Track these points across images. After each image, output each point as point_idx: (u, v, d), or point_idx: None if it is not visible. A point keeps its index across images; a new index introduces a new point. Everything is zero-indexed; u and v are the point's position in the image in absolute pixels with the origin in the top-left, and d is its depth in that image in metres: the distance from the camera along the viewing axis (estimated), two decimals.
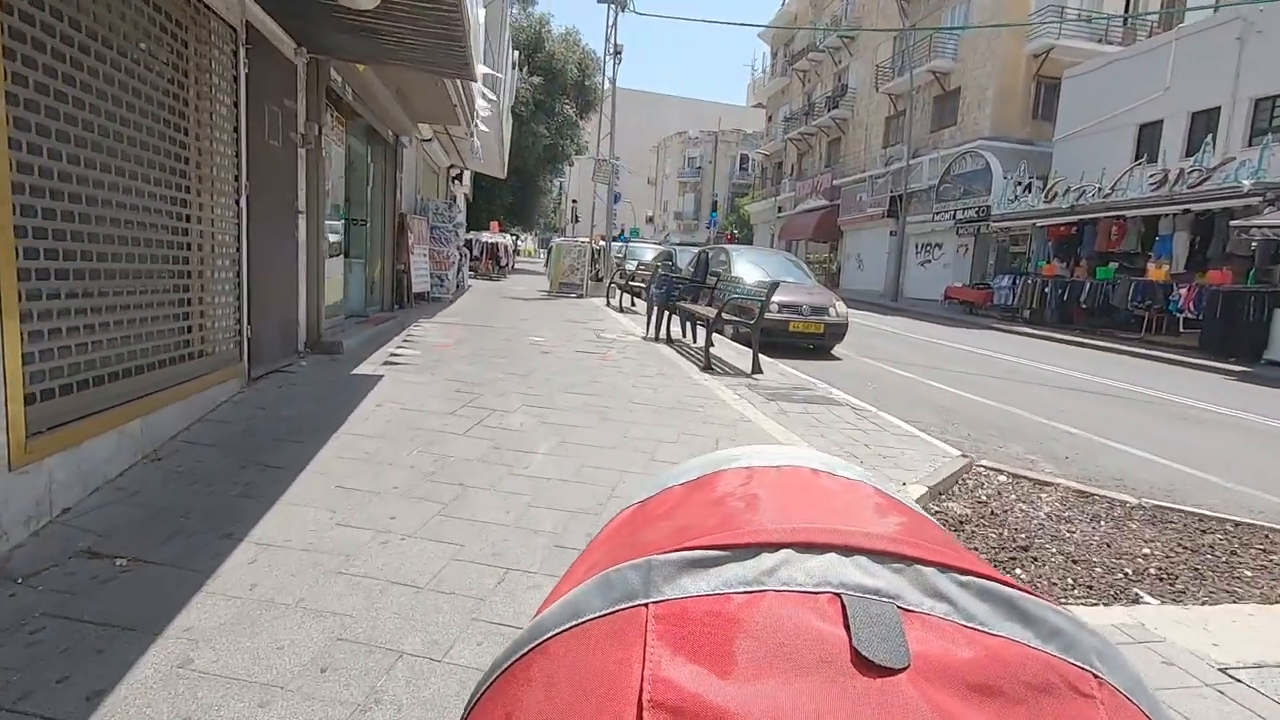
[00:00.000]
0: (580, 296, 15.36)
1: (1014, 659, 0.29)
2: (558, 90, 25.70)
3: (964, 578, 0.31)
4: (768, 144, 40.37)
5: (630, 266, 18.78)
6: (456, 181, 20.66)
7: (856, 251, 29.08)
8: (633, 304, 13.77)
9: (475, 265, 19.73)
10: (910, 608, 0.30)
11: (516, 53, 21.52)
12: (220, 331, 4.07)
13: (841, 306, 9.86)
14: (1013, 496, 3.74)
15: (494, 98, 9.82)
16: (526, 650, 0.33)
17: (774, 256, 11.89)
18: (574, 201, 39.75)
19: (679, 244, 39.80)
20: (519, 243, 36.20)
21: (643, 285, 12.82)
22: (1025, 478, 4.04)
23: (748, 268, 10.63)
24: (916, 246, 24.68)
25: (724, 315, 6.96)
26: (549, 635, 0.32)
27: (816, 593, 0.30)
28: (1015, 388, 7.80)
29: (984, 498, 3.70)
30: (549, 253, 17.05)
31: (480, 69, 6.78)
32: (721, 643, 0.28)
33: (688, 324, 9.04)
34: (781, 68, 38.03)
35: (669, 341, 8.60)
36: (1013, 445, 5.08)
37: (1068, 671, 0.29)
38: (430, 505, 2.88)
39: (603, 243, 17.03)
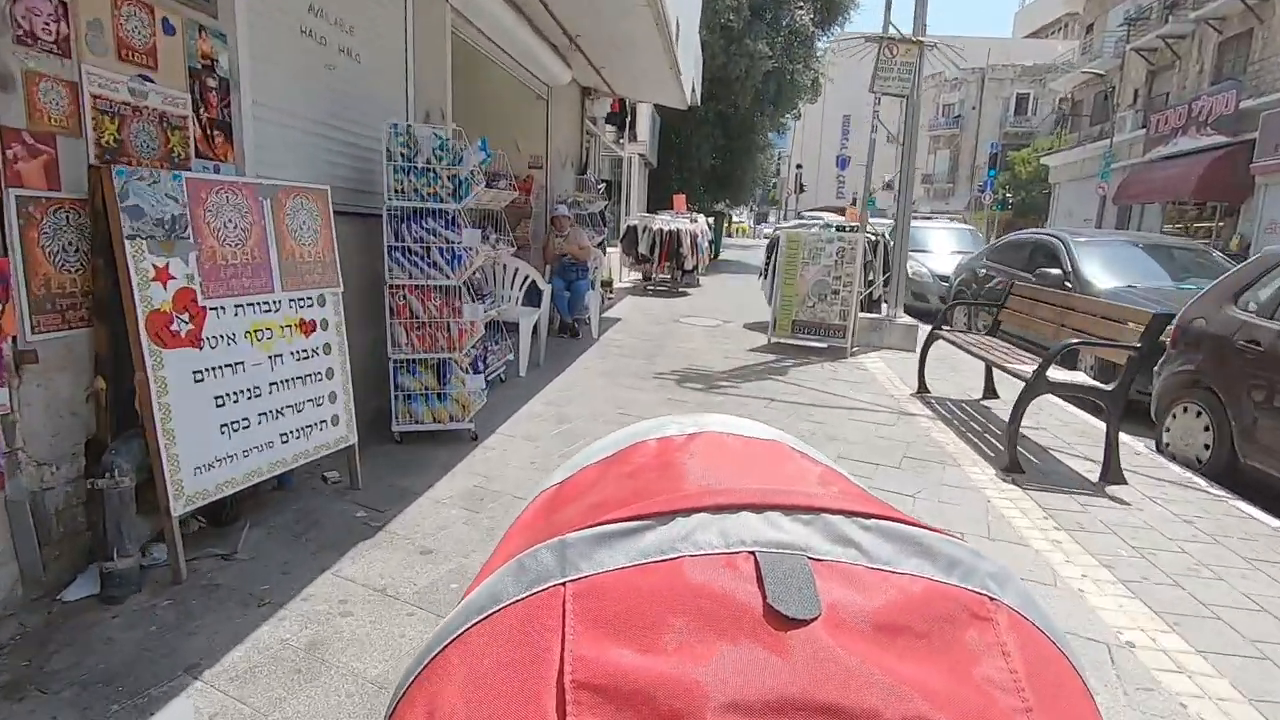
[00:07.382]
0: (841, 355, 6.85)
1: (918, 594, 0.30)
2: None
3: (869, 521, 0.32)
4: (1089, 64, 27.76)
5: (921, 273, 9.82)
6: (618, 128, 12.81)
7: None
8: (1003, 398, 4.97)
9: (644, 268, 11.92)
10: (820, 557, 0.30)
11: None
12: None
13: None
14: None
15: None
16: (445, 644, 0.32)
17: None
18: (799, 166, 30.58)
19: (938, 216, 28.89)
20: (727, 222, 27.59)
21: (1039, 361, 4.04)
22: None
23: None
24: None
25: None
26: (467, 626, 0.31)
27: (731, 553, 0.30)
28: None
29: None
30: (769, 253, 8.45)
31: None
32: (641, 615, 0.28)
33: None
34: None
35: None
36: None
37: (966, 598, 0.30)
38: None
39: (882, 227, 8.25)
